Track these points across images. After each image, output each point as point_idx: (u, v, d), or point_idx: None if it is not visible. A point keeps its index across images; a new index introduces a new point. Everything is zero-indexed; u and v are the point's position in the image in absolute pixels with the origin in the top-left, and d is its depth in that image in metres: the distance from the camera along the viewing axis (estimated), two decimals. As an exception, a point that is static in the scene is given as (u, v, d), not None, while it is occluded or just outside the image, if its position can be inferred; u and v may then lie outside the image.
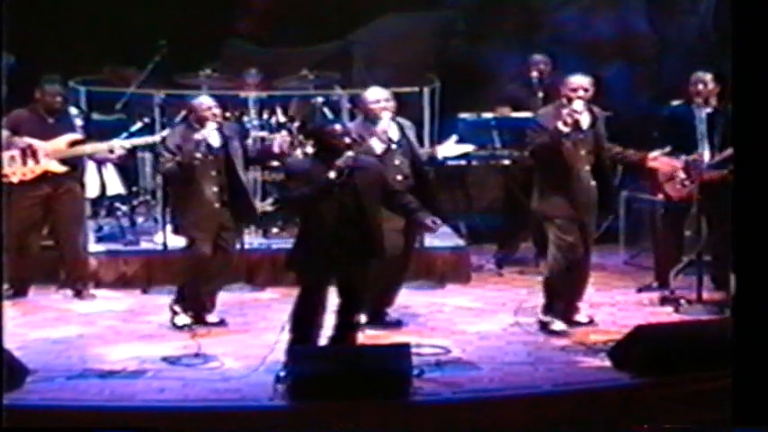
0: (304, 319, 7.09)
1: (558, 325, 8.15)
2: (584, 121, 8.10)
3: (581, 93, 8.07)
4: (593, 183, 8.13)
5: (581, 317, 8.36)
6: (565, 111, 7.96)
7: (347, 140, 7.06)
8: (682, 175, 8.91)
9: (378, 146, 8.07)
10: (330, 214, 6.95)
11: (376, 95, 8.29)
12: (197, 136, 8.10)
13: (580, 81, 8.16)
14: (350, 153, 6.99)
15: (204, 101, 8.38)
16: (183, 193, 8.26)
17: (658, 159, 8.62)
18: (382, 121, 8.15)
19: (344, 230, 6.96)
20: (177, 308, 8.25)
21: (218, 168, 8.22)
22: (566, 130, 7.92)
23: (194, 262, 8.24)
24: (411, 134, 8.40)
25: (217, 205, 8.20)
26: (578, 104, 8.01)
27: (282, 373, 6.73)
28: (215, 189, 8.19)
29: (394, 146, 8.21)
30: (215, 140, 8.23)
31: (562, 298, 8.24)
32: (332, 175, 6.91)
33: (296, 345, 7.01)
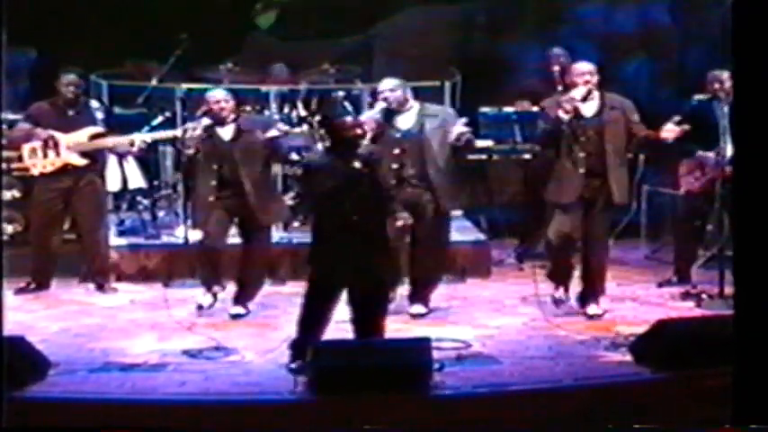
0: (315, 314, 7.07)
1: (560, 293, 8.41)
2: (589, 108, 8.19)
3: (587, 77, 8.17)
4: (585, 171, 8.18)
5: (593, 309, 8.37)
6: (564, 98, 8.06)
7: (359, 132, 7.06)
8: (696, 168, 8.91)
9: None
10: (348, 206, 6.95)
11: (381, 86, 8.48)
12: (191, 130, 8.26)
13: (582, 68, 8.25)
14: (365, 142, 7.00)
15: (215, 94, 8.46)
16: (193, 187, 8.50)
17: (672, 131, 8.54)
18: (372, 110, 8.36)
19: (362, 222, 6.95)
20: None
21: (221, 163, 8.31)
22: (565, 117, 8.02)
23: (202, 255, 8.36)
24: (430, 124, 8.41)
25: (211, 198, 8.28)
26: (578, 92, 8.12)
27: (293, 366, 6.77)
28: (213, 183, 8.27)
29: (398, 134, 8.30)
30: (227, 134, 8.29)
31: (562, 279, 8.45)
32: (357, 164, 6.91)
33: (302, 339, 7.02)
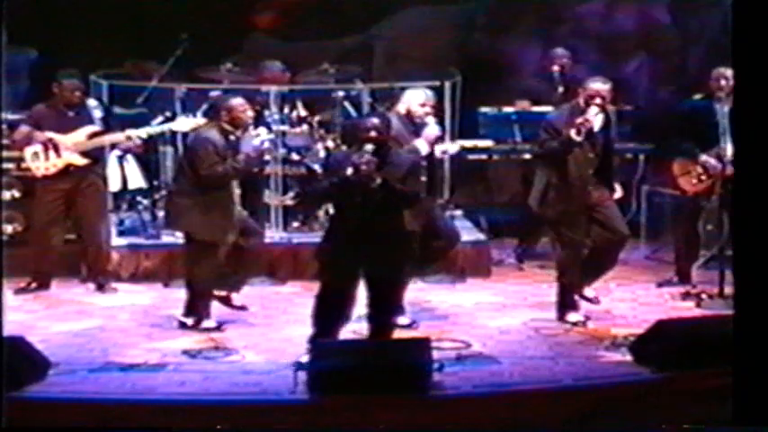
0: (325, 312, 7.09)
1: (574, 316, 8.18)
2: (597, 123, 8.06)
3: (598, 100, 8.01)
4: (594, 184, 8.12)
5: (587, 291, 8.36)
6: (579, 120, 7.91)
7: (373, 135, 7.05)
8: (698, 170, 8.89)
9: (424, 147, 8.01)
10: (356, 207, 6.96)
11: (423, 99, 8.22)
12: (259, 143, 8.16)
13: (599, 88, 8.07)
14: (368, 147, 6.98)
15: (241, 101, 8.23)
16: (216, 195, 8.05)
17: None
18: (431, 126, 8.11)
19: (370, 224, 6.96)
20: (187, 320, 8.11)
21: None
22: (578, 139, 7.90)
23: (214, 261, 8.11)
24: None
25: (238, 206, 8.28)
26: (593, 111, 7.96)
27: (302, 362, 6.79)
28: (238, 191, 8.26)
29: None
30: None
31: (576, 287, 8.27)
32: (349, 171, 6.91)
33: (318, 338, 7.03)
